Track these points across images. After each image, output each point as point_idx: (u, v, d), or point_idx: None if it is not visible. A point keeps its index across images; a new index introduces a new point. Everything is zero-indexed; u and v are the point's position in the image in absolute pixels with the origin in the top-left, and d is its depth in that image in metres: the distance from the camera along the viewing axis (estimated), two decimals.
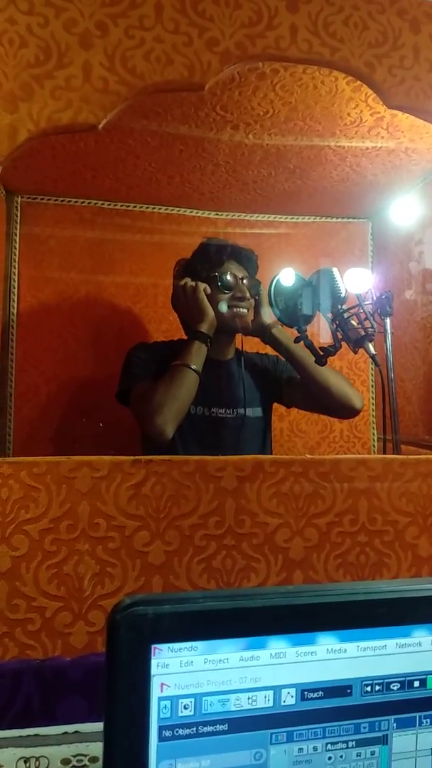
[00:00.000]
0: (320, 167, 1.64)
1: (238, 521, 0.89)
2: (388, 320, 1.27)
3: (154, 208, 1.93)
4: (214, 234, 1.96)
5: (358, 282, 1.91)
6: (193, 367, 1.30)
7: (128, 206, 1.91)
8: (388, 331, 1.27)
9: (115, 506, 0.85)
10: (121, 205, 1.90)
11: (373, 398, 1.98)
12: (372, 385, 1.99)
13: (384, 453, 1.67)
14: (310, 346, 1.34)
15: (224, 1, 0.92)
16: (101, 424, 1.78)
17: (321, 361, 1.32)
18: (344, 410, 1.42)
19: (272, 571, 0.90)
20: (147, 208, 1.92)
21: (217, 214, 1.97)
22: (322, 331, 1.42)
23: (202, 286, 1.40)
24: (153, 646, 0.37)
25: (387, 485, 0.94)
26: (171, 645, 0.37)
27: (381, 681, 0.39)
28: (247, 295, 1.41)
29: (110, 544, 0.85)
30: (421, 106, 1.00)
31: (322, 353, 1.31)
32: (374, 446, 1.97)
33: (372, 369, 1.96)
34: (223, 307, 1.41)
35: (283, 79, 1.21)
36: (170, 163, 1.63)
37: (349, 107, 1.31)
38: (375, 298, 1.29)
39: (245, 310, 1.42)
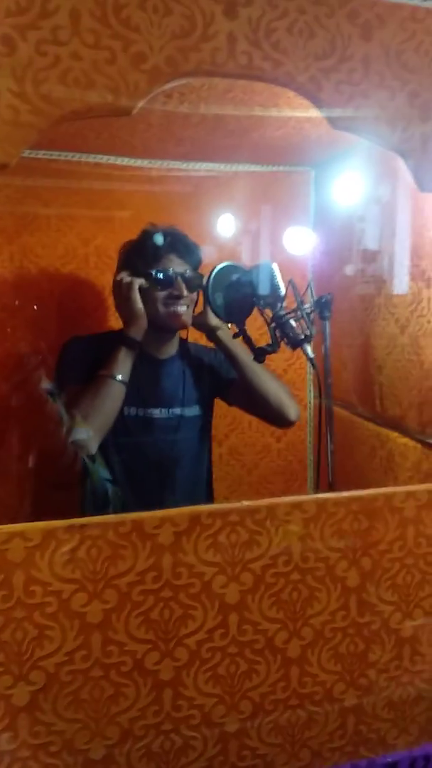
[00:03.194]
0: (261, 129, 1.52)
1: (176, 574, 0.90)
2: (327, 323, 1.25)
3: (81, 157, 1.76)
4: (149, 188, 1.83)
5: (299, 243, 1.86)
6: (119, 377, 1.26)
7: (52, 155, 1.74)
8: (327, 335, 1.25)
9: (50, 572, 0.85)
10: (44, 154, 1.73)
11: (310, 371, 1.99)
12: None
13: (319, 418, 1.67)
14: (249, 342, 1.31)
15: (152, 6, 0.80)
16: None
17: (259, 358, 1.30)
18: (279, 420, 1.43)
19: (209, 616, 0.93)
20: (73, 156, 1.76)
21: (150, 163, 1.82)
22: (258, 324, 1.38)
23: (137, 283, 1.31)
24: None
25: (320, 525, 0.96)
26: None
27: None
28: (185, 292, 1.34)
29: (48, 608, 0.85)
30: (369, 128, 0.92)
31: (260, 351, 1.29)
32: (310, 408, 2.01)
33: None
34: (159, 306, 1.34)
35: None
36: (97, 121, 1.47)
37: None
38: (314, 298, 1.26)
39: (183, 308, 1.35)
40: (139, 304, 1.31)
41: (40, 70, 0.77)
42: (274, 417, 1.42)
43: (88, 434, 1.23)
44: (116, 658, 0.89)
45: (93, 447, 1.22)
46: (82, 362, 1.34)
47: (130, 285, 1.31)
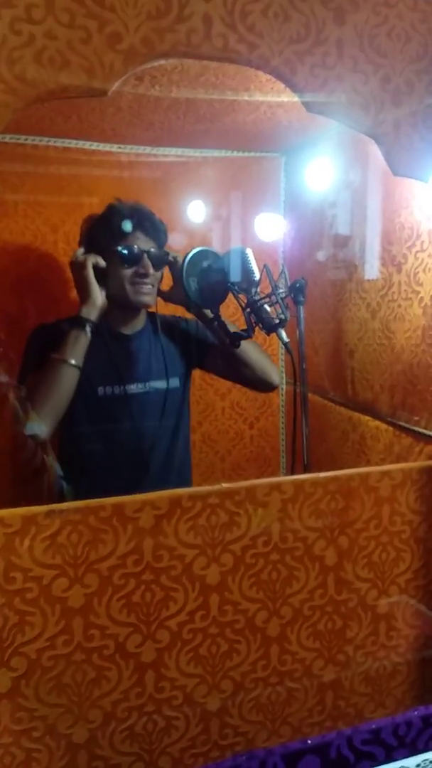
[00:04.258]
0: (232, 114, 1.52)
1: (156, 557, 0.91)
2: (301, 308, 1.26)
3: (49, 141, 1.73)
4: (119, 173, 1.81)
5: (270, 229, 1.87)
6: (72, 361, 1.25)
7: (19, 138, 1.70)
8: (301, 319, 1.26)
9: (30, 558, 0.84)
10: (10, 138, 1.69)
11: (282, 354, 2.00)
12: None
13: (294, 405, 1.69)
14: (223, 327, 1.32)
15: None
16: None
17: (234, 344, 1.31)
18: (262, 385, 1.45)
19: (190, 598, 0.94)
20: (41, 140, 1.73)
21: (120, 148, 1.80)
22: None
23: (91, 262, 1.30)
24: None
25: (298, 506, 0.98)
26: None
27: None
28: (151, 270, 1.34)
29: (28, 594, 0.85)
30: (343, 111, 0.93)
31: (235, 336, 1.29)
32: (283, 395, 2.02)
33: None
34: (126, 284, 1.33)
35: None
36: (65, 104, 1.45)
37: None
38: (288, 282, 1.26)
39: (149, 287, 1.35)
40: (93, 282, 1.30)
41: (14, 49, 0.75)
42: (258, 382, 1.44)
43: (41, 428, 1.22)
44: (98, 641, 0.89)
45: (41, 435, 1.21)
46: (42, 349, 1.32)
47: (83, 263, 1.30)
